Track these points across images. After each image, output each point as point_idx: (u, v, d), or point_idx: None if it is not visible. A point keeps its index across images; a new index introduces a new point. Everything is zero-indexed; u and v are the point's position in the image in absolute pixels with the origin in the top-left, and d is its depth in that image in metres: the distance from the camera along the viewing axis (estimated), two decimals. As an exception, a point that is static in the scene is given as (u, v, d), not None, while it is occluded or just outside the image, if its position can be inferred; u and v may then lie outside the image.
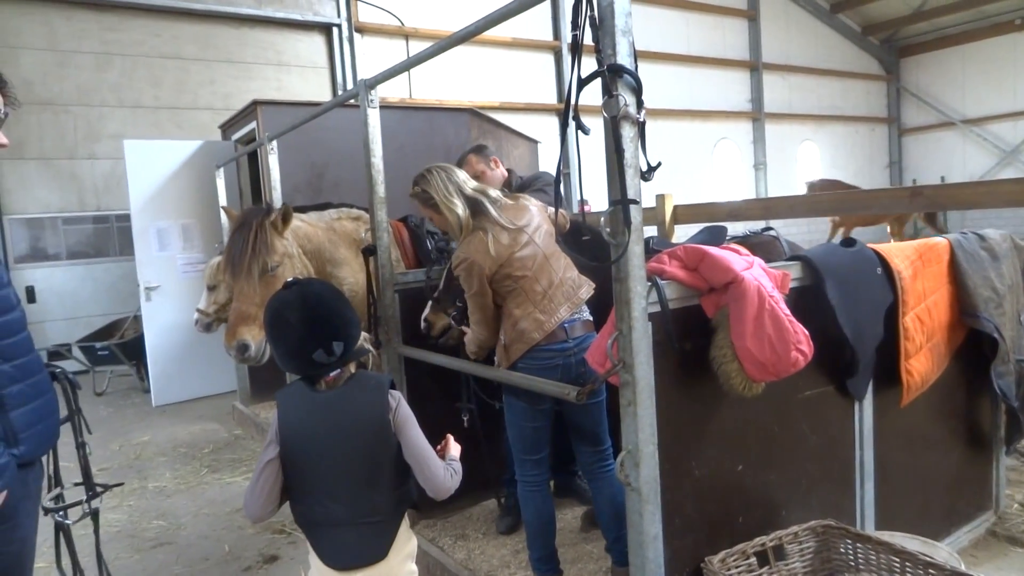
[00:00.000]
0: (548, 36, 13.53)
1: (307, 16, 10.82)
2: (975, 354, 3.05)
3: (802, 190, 17.46)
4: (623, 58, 1.91)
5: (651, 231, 4.89)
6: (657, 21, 14.65)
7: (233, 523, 4.12)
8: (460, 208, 2.69)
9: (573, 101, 2.00)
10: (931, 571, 2.12)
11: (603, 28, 1.93)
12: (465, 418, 3.35)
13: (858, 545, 2.34)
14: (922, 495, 2.97)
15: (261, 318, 3.14)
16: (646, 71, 2.01)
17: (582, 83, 1.97)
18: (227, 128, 7.66)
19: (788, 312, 2.06)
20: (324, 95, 11.00)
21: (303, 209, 3.96)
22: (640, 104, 1.95)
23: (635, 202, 1.92)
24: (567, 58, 13.45)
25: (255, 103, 6.52)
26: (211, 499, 4.52)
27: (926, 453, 2.97)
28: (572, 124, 2.05)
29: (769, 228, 3.73)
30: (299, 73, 10.94)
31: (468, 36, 2.81)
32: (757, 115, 16.70)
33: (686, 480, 2.20)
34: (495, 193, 2.84)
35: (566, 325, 2.67)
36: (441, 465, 1.91)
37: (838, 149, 18.68)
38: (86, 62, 9.26)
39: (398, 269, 3.71)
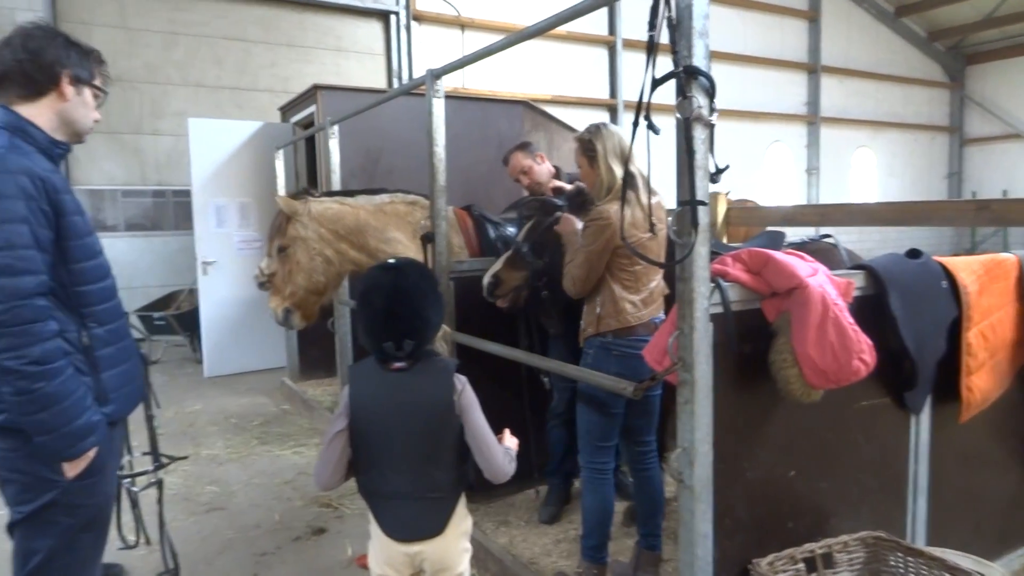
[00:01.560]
0: (603, 31, 13.46)
1: (367, 3, 10.96)
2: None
3: (856, 198, 17.10)
4: (699, 60, 1.94)
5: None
6: (712, 19, 14.40)
7: (283, 494, 4.26)
8: (617, 171, 2.71)
9: (645, 101, 2.03)
10: (985, 589, 2.10)
11: (680, 30, 1.95)
12: (546, 379, 3.52)
13: (909, 559, 2.33)
14: (976, 514, 2.92)
15: (284, 291, 3.69)
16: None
17: (656, 83, 1.99)
18: (287, 110, 7.83)
19: (852, 321, 2.06)
20: (379, 81, 11.14)
21: (351, 193, 4.08)
22: (713, 107, 1.97)
23: (703, 203, 1.95)
24: (621, 54, 13.47)
25: (315, 87, 6.66)
26: (261, 470, 4.68)
27: (983, 472, 2.93)
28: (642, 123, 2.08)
29: (827, 235, 3.69)
30: (356, 59, 11.10)
31: (539, 32, 2.86)
32: (812, 118, 16.36)
33: (738, 481, 2.22)
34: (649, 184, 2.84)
35: (656, 321, 2.74)
36: (501, 449, 1.97)
37: (895, 157, 18.19)
38: (154, 40, 9.55)
39: (460, 256, 3.79)
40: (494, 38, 12.06)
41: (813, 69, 16.24)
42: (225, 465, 4.79)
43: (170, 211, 9.81)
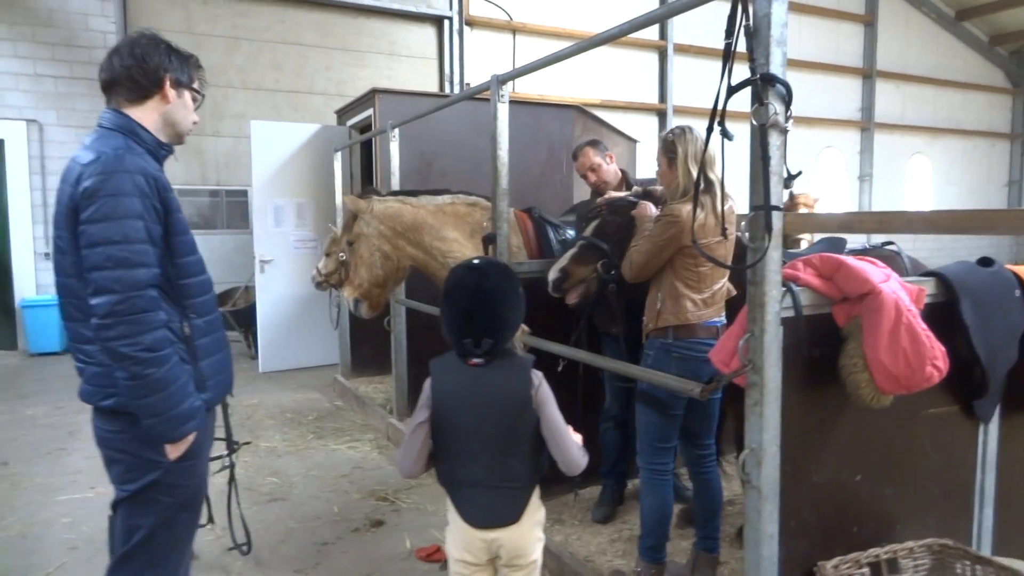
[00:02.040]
0: (655, 36, 13.43)
1: (421, 8, 11.15)
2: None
3: (910, 206, 16.68)
4: (776, 68, 1.97)
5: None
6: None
7: (340, 487, 4.39)
8: (694, 174, 2.72)
9: (721, 107, 2.06)
10: (1058, 601, 2.08)
11: (758, 38, 1.99)
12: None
13: (977, 567, 2.31)
14: (1043, 527, 2.87)
15: (354, 282, 3.92)
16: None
17: (732, 90, 2.02)
18: (343, 113, 8.03)
19: (925, 327, 2.06)
20: (432, 85, 11.33)
21: (414, 193, 4.20)
22: (789, 114, 2.01)
23: (778, 208, 1.98)
24: (672, 58, 13.39)
25: (374, 91, 6.82)
26: (318, 463, 4.82)
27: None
28: (716, 129, 2.12)
29: (890, 242, 3.66)
30: (409, 63, 11.29)
31: (599, 43, 2.92)
32: (867, 124, 16.02)
33: (805, 484, 2.24)
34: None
35: (718, 324, 2.77)
36: (575, 443, 2.03)
37: (952, 164, 17.68)
38: (217, 45, 9.89)
39: (519, 257, 3.87)
40: (545, 42, 12.09)
41: (868, 74, 15.91)
42: (284, 457, 4.94)
43: (223, 210, 10.13)
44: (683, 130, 2.85)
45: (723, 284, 2.89)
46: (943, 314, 2.39)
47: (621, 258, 3.03)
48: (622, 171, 4.14)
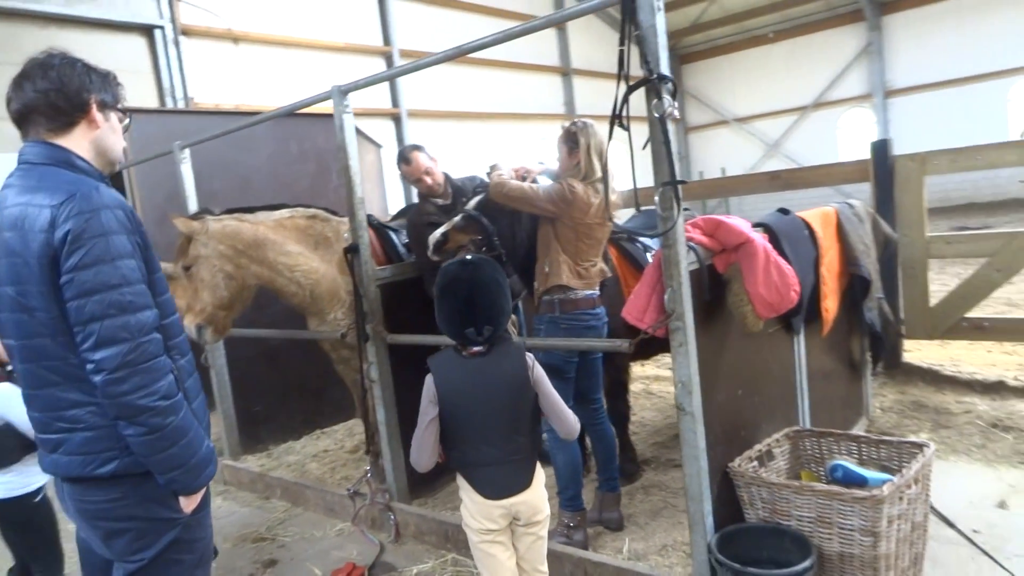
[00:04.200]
0: (379, 42, 13.70)
1: (125, 17, 10.03)
2: (849, 296, 3.96)
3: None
4: (664, 68, 2.41)
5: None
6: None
7: (205, 538, 4.02)
8: (595, 163, 3.09)
9: (620, 104, 2.45)
10: (882, 446, 2.87)
11: (646, 45, 2.41)
12: None
13: (821, 440, 3.05)
14: (830, 407, 3.81)
15: (195, 308, 3.68)
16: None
17: (631, 89, 2.42)
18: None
19: (784, 262, 2.69)
20: (150, 100, 10.27)
21: (251, 209, 4.01)
22: (675, 105, 2.46)
23: (683, 182, 2.43)
24: (398, 61, 13.77)
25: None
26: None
27: (830, 376, 3.83)
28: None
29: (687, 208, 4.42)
30: (120, 77, 10.08)
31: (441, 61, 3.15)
32: (571, 117, 18.11)
33: (712, 403, 2.75)
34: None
35: (594, 296, 3.14)
36: (570, 411, 2.29)
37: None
38: None
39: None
40: (272, 51, 11.82)
41: (566, 72, 17.98)
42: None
43: None
44: (585, 124, 3.19)
45: (599, 263, 3.28)
46: (770, 254, 3.09)
47: (501, 235, 3.31)
48: (444, 173, 4.36)
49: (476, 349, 2.15)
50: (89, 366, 1.58)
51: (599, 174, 3.09)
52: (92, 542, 1.81)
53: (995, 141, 5.31)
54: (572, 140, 3.16)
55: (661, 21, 2.39)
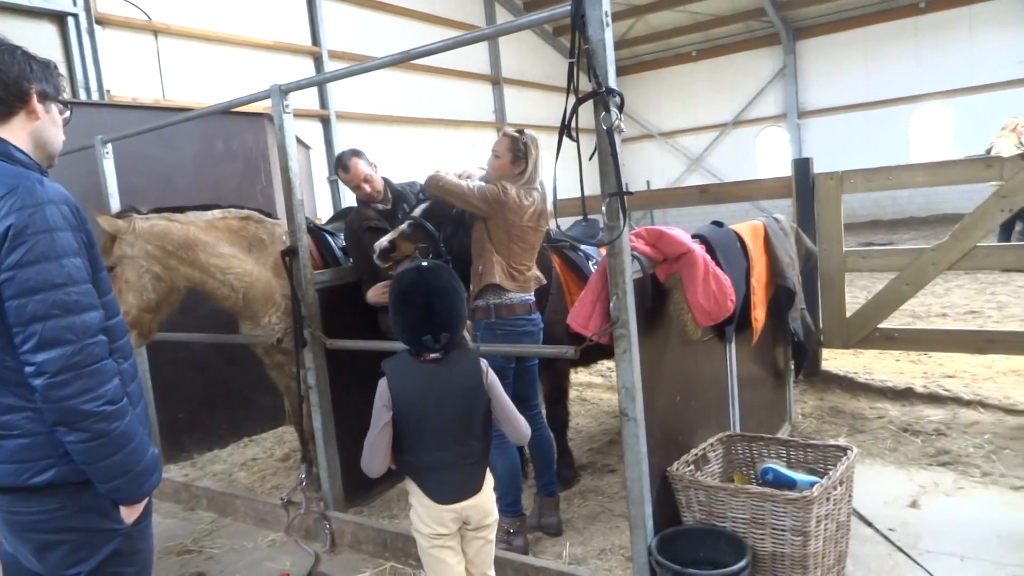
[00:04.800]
0: (307, 41, 13.42)
1: (34, 2, 9.45)
2: (775, 307, 4.15)
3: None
4: (612, 82, 2.47)
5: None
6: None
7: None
8: (536, 175, 3.22)
9: (569, 116, 2.50)
10: (809, 449, 3.02)
11: (595, 58, 2.47)
12: None
13: (752, 445, 3.18)
14: (758, 413, 3.98)
15: (120, 308, 3.42)
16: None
17: (580, 101, 2.48)
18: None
19: (721, 272, 2.80)
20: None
21: (180, 209, 3.86)
22: (622, 118, 2.53)
23: (630, 193, 2.50)
24: (327, 63, 13.54)
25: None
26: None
27: (758, 383, 4.00)
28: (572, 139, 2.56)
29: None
30: (28, 66, 9.50)
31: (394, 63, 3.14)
32: (501, 124, 18.23)
33: (653, 410, 2.82)
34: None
35: (530, 302, 3.17)
36: (521, 417, 2.30)
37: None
38: None
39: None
40: (193, 45, 11.48)
41: (497, 80, 18.10)
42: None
43: None
44: (534, 139, 3.24)
45: (533, 268, 3.32)
46: (706, 265, 3.21)
47: (447, 242, 3.31)
48: (383, 178, 4.33)
49: (432, 356, 2.14)
50: (29, 369, 1.48)
51: (539, 185, 3.16)
52: (20, 556, 1.69)
53: (900, 163, 5.69)
54: (521, 150, 3.20)
55: (609, 36, 2.45)
